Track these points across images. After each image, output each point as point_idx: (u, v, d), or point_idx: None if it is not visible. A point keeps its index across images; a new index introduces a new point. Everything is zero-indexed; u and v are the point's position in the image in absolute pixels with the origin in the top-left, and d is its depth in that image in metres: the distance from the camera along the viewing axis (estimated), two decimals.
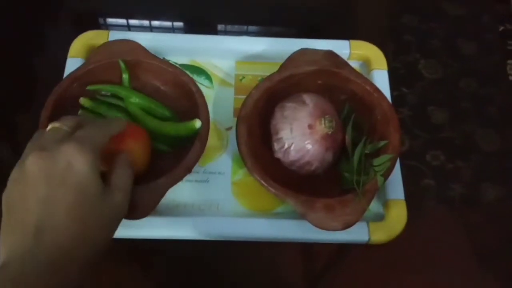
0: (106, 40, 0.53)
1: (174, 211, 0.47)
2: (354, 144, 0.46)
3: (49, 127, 0.37)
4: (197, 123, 0.46)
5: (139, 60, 0.49)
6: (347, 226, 0.42)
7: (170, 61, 0.54)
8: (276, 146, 0.46)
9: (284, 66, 0.50)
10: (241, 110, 0.47)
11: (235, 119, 0.51)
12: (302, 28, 0.66)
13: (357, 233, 0.45)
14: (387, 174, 0.44)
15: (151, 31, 0.62)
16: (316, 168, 0.46)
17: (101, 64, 0.49)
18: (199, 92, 0.48)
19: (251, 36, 0.55)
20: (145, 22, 0.63)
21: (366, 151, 0.45)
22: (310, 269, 0.48)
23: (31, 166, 0.33)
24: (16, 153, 0.36)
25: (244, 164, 0.45)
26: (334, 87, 0.50)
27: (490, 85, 0.60)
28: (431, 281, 0.48)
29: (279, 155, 0.46)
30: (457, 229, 0.51)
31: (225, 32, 0.63)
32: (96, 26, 0.56)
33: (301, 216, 0.43)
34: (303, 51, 0.50)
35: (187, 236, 0.45)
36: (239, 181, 0.49)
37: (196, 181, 0.49)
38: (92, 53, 0.50)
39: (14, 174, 0.34)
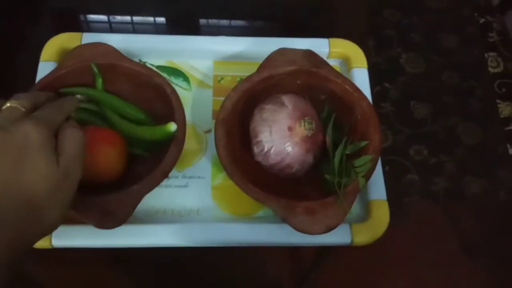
0: (79, 43, 0.51)
1: (153, 218, 0.46)
2: (335, 145, 0.45)
3: (5, 106, 0.36)
4: (173, 127, 0.45)
5: (112, 63, 0.48)
6: (328, 229, 0.42)
7: (146, 63, 0.53)
8: (255, 149, 0.45)
9: (262, 66, 0.49)
10: (219, 113, 0.46)
11: (214, 121, 0.50)
12: (281, 27, 0.65)
13: (340, 235, 0.45)
14: (368, 175, 0.44)
15: (133, 29, 0.60)
16: (297, 171, 0.45)
17: (74, 68, 0.47)
18: (174, 94, 0.47)
19: (229, 36, 0.54)
20: (126, 19, 0.62)
21: (347, 152, 0.45)
22: (294, 272, 0.48)
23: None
24: None
25: (223, 168, 0.44)
26: (314, 87, 0.49)
27: (471, 78, 0.61)
28: (417, 278, 0.48)
29: (259, 158, 0.45)
30: (442, 223, 0.51)
31: (204, 32, 0.62)
32: (71, 27, 0.54)
33: (282, 220, 0.42)
34: (281, 51, 0.49)
35: (167, 243, 0.44)
36: (219, 185, 0.49)
37: (175, 186, 0.48)
38: (64, 57, 0.49)
39: None
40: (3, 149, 0.33)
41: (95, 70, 0.48)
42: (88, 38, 0.52)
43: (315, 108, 0.47)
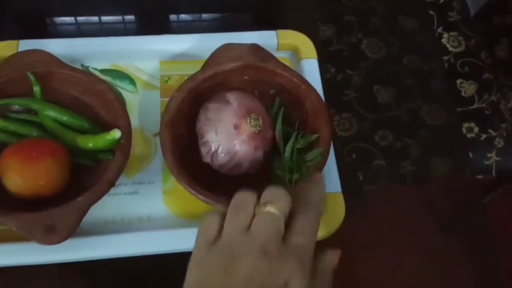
0: (16, 51, 0.49)
1: (102, 229, 0.45)
2: (286, 140, 0.44)
3: (266, 209, 0.31)
4: (116, 134, 0.43)
5: (50, 71, 0.46)
6: None
7: (88, 67, 0.51)
8: (203, 150, 0.44)
9: (207, 64, 0.47)
10: (163, 116, 0.45)
11: (160, 145, 0.48)
12: (227, 21, 0.63)
13: None
14: (319, 168, 0.43)
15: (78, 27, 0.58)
16: (247, 169, 0.44)
17: (9, 78, 0.45)
18: (118, 100, 0.45)
19: (173, 34, 0.52)
20: (66, 20, 0.59)
21: (298, 146, 0.43)
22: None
23: (249, 271, 0.29)
24: None
25: (171, 172, 0.43)
26: (262, 82, 0.48)
27: (432, 60, 0.60)
28: (389, 262, 0.47)
29: (207, 159, 0.44)
30: (412, 207, 0.51)
31: (149, 31, 0.60)
32: (7, 35, 0.52)
33: None
34: (226, 47, 0.48)
35: (118, 254, 0.43)
36: (171, 190, 0.47)
37: (124, 193, 0.46)
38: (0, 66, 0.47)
39: (215, 259, 0.30)
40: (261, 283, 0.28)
41: (32, 78, 0.46)
42: (25, 45, 0.50)
43: (265, 104, 0.46)
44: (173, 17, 0.62)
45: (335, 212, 0.45)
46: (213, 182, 0.43)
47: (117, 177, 0.42)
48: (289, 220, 0.32)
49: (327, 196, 0.46)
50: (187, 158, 0.44)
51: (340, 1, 0.64)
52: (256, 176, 0.45)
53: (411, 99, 0.57)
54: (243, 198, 0.33)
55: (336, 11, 0.63)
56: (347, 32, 0.62)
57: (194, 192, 0.41)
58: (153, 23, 0.62)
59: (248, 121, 0.42)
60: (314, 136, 0.44)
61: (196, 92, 0.46)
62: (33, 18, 0.60)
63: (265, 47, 0.49)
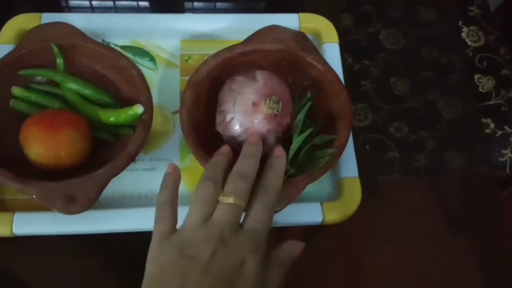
0: (39, 24, 0.49)
1: (119, 203, 0.45)
2: (302, 133, 0.43)
3: (228, 200, 0.34)
4: (139, 109, 0.43)
5: (74, 44, 0.46)
6: None
7: (109, 44, 0.51)
8: (218, 118, 0.44)
9: (249, 39, 0.47)
10: (192, 75, 0.45)
11: (180, 102, 0.48)
12: (250, 2, 0.63)
13: (311, 214, 0.44)
14: (324, 168, 0.42)
15: (93, 11, 0.58)
16: None
17: (33, 49, 0.45)
18: (140, 76, 0.45)
19: (195, 13, 0.52)
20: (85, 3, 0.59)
21: (313, 143, 0.43)
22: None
23: (207, 258, 0.31)
24: None
25: (182, 129, 0.43)
26: (298, 71, 0.47)
27: (451, 53, 0.60)
28: (400, 253, 0.47)
29: (219, 128, 0.44)
30: (424, 199, 0.51)
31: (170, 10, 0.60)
32: (30, 8, 0.52)
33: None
34: (273, 27, 0.47)
35: (134, 228, 0.43)
36: (188, 168, 0.47)
37: (142, 169, 0.46)
38: (23, 38, 0.47)
39: (171, 249, 0.32)
40: (221, 269, 0.31)
41: (56, 50, 0.46)
42: (48, 18, 0.50)
43: (294, 93, 0.45)
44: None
45: (351, 197, 0.45)
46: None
47: (137, 151, 0.42)
48: (248, 203, 0.35)
49: (344, 180, 0.46)
50: (200, 122, 0.44)
51: None
52: (262, 158, 0.44)
53: (428, 92, 0.56)
54: (207, 191, 0.35)
55: (355, 1, 0.63)
56: (366, 22, 0.61)
57: (196, 153, 0.42)
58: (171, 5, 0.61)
59: (267, 102, 0.42)
60: (331, 137, 0.44)
61: (229, 63, 0.46)
62: None
63: None
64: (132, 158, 0.42)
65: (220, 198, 0.34)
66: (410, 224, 0.49)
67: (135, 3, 0.59)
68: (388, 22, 0.61)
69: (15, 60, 0.45)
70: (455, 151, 0.53)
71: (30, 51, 0.45)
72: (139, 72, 0.45)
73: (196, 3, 0.60)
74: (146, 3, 0.59)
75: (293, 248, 0.35)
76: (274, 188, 0.36)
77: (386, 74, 0.57)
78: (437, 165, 0.52)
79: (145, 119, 0.44)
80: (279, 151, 0.40)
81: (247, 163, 0.37)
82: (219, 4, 0.61)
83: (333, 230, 0.46)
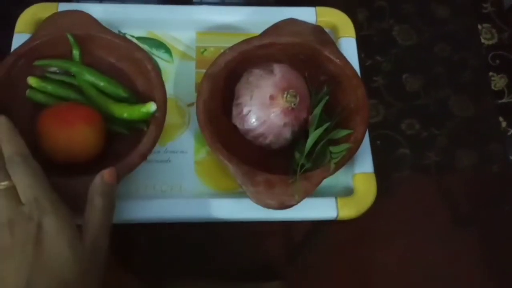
0: (55, 13, 0.49)
1: (134, 194, 0.45)
2: (318, 127, 0.43)
3: None
4: (152, 107, 0.43)
5: (90, 34, 0.46)
6: (283, 206, 0.41)
7: (126, 35, 0.51)
8: (234, 110, 0.44)
9: (267, 32, 0.47)
10: (209, 67, 0.45)
11: (196, 94, 0.48)
12: None
13: (325, 210, 0.44)
14: (341, 163, 0.42)
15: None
16: (272, 143, 0.44)
17: (49, 39, 0.45)
18: (156, 71, 0.45)
19: (211, 5, 0.52)
20: None
21: (329, 138, 0.43)
22: (281, 248, 0.47)
23: (5, 240, 0.34)
24: None
25: (198, 120, 0.43)
26: (315, 65, 0.47)
27: (464, 50, 0.59)
28: (408, 251, 0.47)
29: (235, 121, 0.44)
30: (433, 197, 0.51)
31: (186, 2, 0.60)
32: None
33: (241, 187, 0.41)
34: (291, 21, 0.47)
35: (148, 219, 0.43)
36: (203, 160, 0.47)
37: (156, 161, 0.46)
38: (39, 27, 0.47)
39: None
40: (21, 243, 0.34)
41: (72, 40, 0.46)
42: (65, 7, 0.49)
43: (311, 88, 0.45)
44: None
45: (367, 192, 0.45)
46: (233, 144, 0.43)
47: (150, 150, 0.42)
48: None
49: (359, 176, 0.46)
50: (216, 115, 0.44)
51: None
52: (277, 152, 0.45)
53: (440, 89, 0.56)
54: None
55: None
56: (379, 18, 0.61)
57: (211, 144, 0.42)
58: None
59: (285, 95, 0.42)
60: (347, 132, 0.43)
61: (246, 56, 0.46)
62: None
63: None
64: (144, 157, 0.42)
65: None
66: (419, 222, 0.49)
67: None
68: (401, 18, 0.61)
69: (31, 50, 0.45)
70: (466, 149, 0.53)
71: (45, 41, 0.45)
72: (155, 66, 0.45)
73: None
74: None
75: (102, 176, 0.38)
76: (16, 153, 0.38)
77: (398, 70, 0.57)
78: (448, 162, 0.52)
79: (158, 116, 0.43)
80: None
81: None
82: None
83: (341, 226, 0.46)
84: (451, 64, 0.58)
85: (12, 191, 0.36)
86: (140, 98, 0.46)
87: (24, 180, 0.36)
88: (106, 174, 0.39)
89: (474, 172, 0.52)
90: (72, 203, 0.37)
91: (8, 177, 0.36)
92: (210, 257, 0.46)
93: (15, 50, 0.45)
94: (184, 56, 0.52)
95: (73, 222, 0.36)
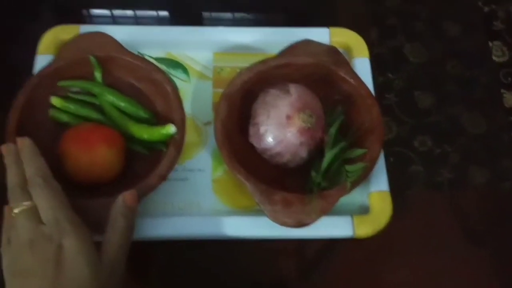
0: (77, 35, 0.51)
1: (152, 212, 0.46)
2: (334, 146, 0.44)
3: (16, 211, 0.37)
4: (171, 129, 0.44)
5: (111, 56, 0.47)
6: (300, 225, 0.41)
7: (144, 55, 0.52)
8: (251, 130, 0.45)
9: (283, 53, 0.48)
10: (226, 87, 0.46)
11: (214, 113, 0.49)
12: (281, 16, 0.64)
13: (341, 228, 0.44)
14: (357, 182, 0.43)
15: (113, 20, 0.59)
16: (288, 161, 0.45)
17: (71, 60, 0.47)
18: (175, 92, 0.46)
19: (227, 26, 0.53)
20: (125, 12, 0.60)
21: (344, 157, 0.44)
22: (296, 266, 0.47)
23: (26, 260, 0.35)
24: None
25: (216, 140, 0.44)
26: (329, 85, 0.48)
27: (475, 67, 0.60)
28: (421, 269, 0.47)
29: (252, 140, 0.45)
30: (446, 214, 0.51)
31: (204, 23, 0.61)
32: (68, 20, 0.53)
33: (258, 205, 0.42)
34: (306, 42, 0.49)
35: (166, 236, 0.44)
36: (220, 178, 0.48)
37: (175, 179, 0.47)
38: (61, 48, 0.48)
39: (9, 266, 0.36)
40: (41, 263, 0.35)
41: (94, 62, 0.47)
42: (86, 29, 0.51)
43: (325, 107, 0.46)
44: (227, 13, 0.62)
45: (382, 211, 0.45)
46: (250, 163, 0.44)
47: (169, 171, 0.43)
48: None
49: (374, 194, 0.47)
50: (233, 135, 0.45)
51: (384, 3, 0.64)
52: (294, 171, 0.46)
53: (452, 106, 0.57)
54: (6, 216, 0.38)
55: (379, 14, 0.63)
56: (390, 35, 0.62)
57: (230, 164, 0.43)
58: (208, 17, 0.62)
59: (301, 115, 0.43)
60: (362, 151, 0.44)
61: (262, 76, 0.47)
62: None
63: None
64: (163, 178, 0.43)
65: (13, 213, 0.37)
66: (432, 240, 0.49)
67: (155, 12, 0.60)
68: (412, 35, 0.61)
69: (54, 72, 0.46)
70: (479, 166, 0.53)
71: (68, 62, 0.47)
72: (174, 88, 0.46)
73: (214, 14, 0.61)
74: (165, 13, 0.60)
75: (123, 198, 0.39)
76: (37, 174, 0.39)
77: (410, 88, 0.57)
78: (461, 179, 0.52)
79: (177, 138, 0.44)
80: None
81: (8, 174, 0.39)
82: (240, 15, 0.62)
83: (354, 244, 0.46)
84: (463, 81, 0.58)
85: (33, 211, 0.37)
86: (159, 118, 0.47)
87: (45, 201, 0.37)
88: (127, 197, 0.39)
89: (487, 189, 0.52)
90: (93, 224, 0.38)
91: (29, 197, 0.37)
92: (226, 274, 0.46)
93: (39, 71, 0.46)
94: (201, 76, 0.53)
95: (92, 242, 0.37)
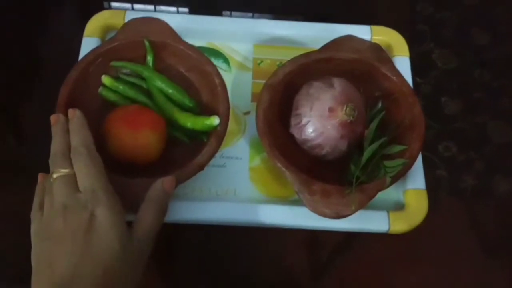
0: (122, 21, 0.52)
1: (190, 196, 0.47)
2: (373, 142, 0.45)
3: (54, 176, 0.37)
4: (216, 121, 0.45)
5: (165, 42, 0.48)
6: (338, 216, 0.42)
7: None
8: (293, 121, 0.46)
9: (326, 47, 0.49)
10: (269, 78, 0.47)
11: (253, 104, 0.50)
12: (322, 12, 0.64)
13: (377, 222, 0.45)
14: (395, 178, 0.43)
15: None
16: (327, 153, 0.45)
17: (127, 42, 0.47)
18: (222, 85, 0.46)
19: (269, 19, 0.54)
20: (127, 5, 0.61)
21: (384, 152, 0.44)
22: (330, 258, 0.48)
23: (58, 224, 0.35)
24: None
25: (257, 129, 0.44)
26: (371, 82, 0.49)
27: (503, 76, 0.60)
28: (448, 273, 0.48)
29: (293, 130, 0.46)
30: (468, 221, 0.51)
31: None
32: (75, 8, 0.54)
33: (297, 195, 0.42)
34: (349, 37, 0.49)
35: (202, 220, 0.45)
36: (257, 167, 0.49)
37: (213, 165, 0.48)
38: (119, 30, 0.49)
39: (38, 230, 0.37)
40: (72, 230, 0.35)
41: (148, 46, 0.48)
42: (131, 15, 0.52)
43: (365, 102, 0.47)
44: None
45: (418, 208, 0.46)
46: (290, 153, 0.45)
47: (208, 161, 0.43)
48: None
49: (410, 191, 0.47)
50: (274, 124, 0.46)
51: (414, 9, 0.65)
52: (331, 163, 0.46)
53: (479, 113, 0.57)
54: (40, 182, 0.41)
55: (409, 19, 0.64)
56: (419, 41, 0.62)
57: (270, 152, 0.43)
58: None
59: (344, 109, 0.43)
60: (402, 148, 0.45)
61: (305, 69, 0.47)
62: None
63: None
64: (202, 167, 0.43)
65: (51, 177, 0.38)
66: (450, 245, 0.49)
67: (174, 8, 0.61)
68: (442, 42, 0.62)
69: (109, 51, 0.47)
70: (503, 175, 0.53)
71: (123, 43, 0.47)
72: (222, 81, 0.47)
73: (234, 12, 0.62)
74: (185, 9, 0.61)
75: (162, 183, 0.40)
76: (82, 144, 0.39)
77: (437, 93, 0.58)
78: (485, 187, 0.52)
79: (220, 130, 0.45)
80: None
81: (53, 142, 0.40)
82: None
83: (399, 237, 0.47)
84: (490, 90, 0.59)
85: (72, 178, 0.37)
86: (203, 109, 0.47)
87: (85, 170, 0.38)
88: (166, 182, 0.40)
89: (510, 198, 0.52)
90: (127, 202, 0.39)
91: (70, 165, 0.38)
92: (254, 260, 0.47)
93: (95, 48, 0.47)
94: (241, 66, 0.54)
95: (124, 217, 0.37)
